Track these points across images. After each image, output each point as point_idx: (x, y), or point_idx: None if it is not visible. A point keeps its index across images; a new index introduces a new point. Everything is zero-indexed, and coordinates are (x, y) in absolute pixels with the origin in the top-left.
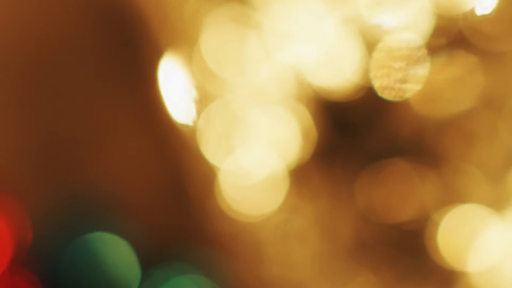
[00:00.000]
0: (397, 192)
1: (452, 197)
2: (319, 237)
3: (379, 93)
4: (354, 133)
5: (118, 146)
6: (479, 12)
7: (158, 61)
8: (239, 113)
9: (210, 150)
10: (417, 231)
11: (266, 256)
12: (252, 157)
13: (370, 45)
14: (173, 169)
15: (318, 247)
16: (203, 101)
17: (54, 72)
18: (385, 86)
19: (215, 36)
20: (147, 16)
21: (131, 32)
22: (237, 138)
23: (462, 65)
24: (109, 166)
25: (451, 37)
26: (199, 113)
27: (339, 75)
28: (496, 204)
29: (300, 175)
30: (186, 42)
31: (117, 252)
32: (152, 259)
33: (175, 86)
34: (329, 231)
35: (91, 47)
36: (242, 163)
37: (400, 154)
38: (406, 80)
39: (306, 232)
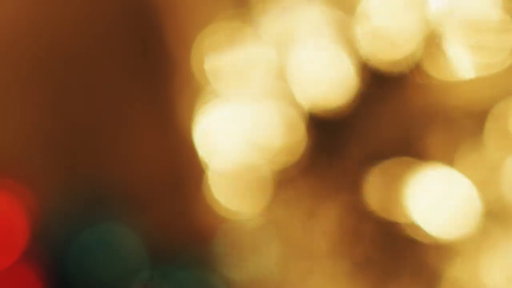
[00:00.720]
0: (383, 193)
1: (439, 198)
2: (305, 237)
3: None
4: (341, 136)
5: (131, 142)
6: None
7: (175, 68)
8: (234, 113)
9: (205, 149)
10: (403, 232)
11: (252, 254)
12: (241, 157)
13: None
14: (179, 168)
15: (304, 247)
16: (202, 100)
17: (79, 65)
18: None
19: (216, 39)
20: (166, 21)
21: (158, 38)
22: (230, 138)
23: (449, 71)
24: (122, 160)
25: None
26: (198, 113)
27: (329, 81)
28: (484, 207)
29: (287, 176)
30: (193, 45)
31: (126, 243)
32: (157, 253)
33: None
34: (315, 231)
35: (121, 49)
36: (231, 162)
37: (386, 157)
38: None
39: (292, 231)
